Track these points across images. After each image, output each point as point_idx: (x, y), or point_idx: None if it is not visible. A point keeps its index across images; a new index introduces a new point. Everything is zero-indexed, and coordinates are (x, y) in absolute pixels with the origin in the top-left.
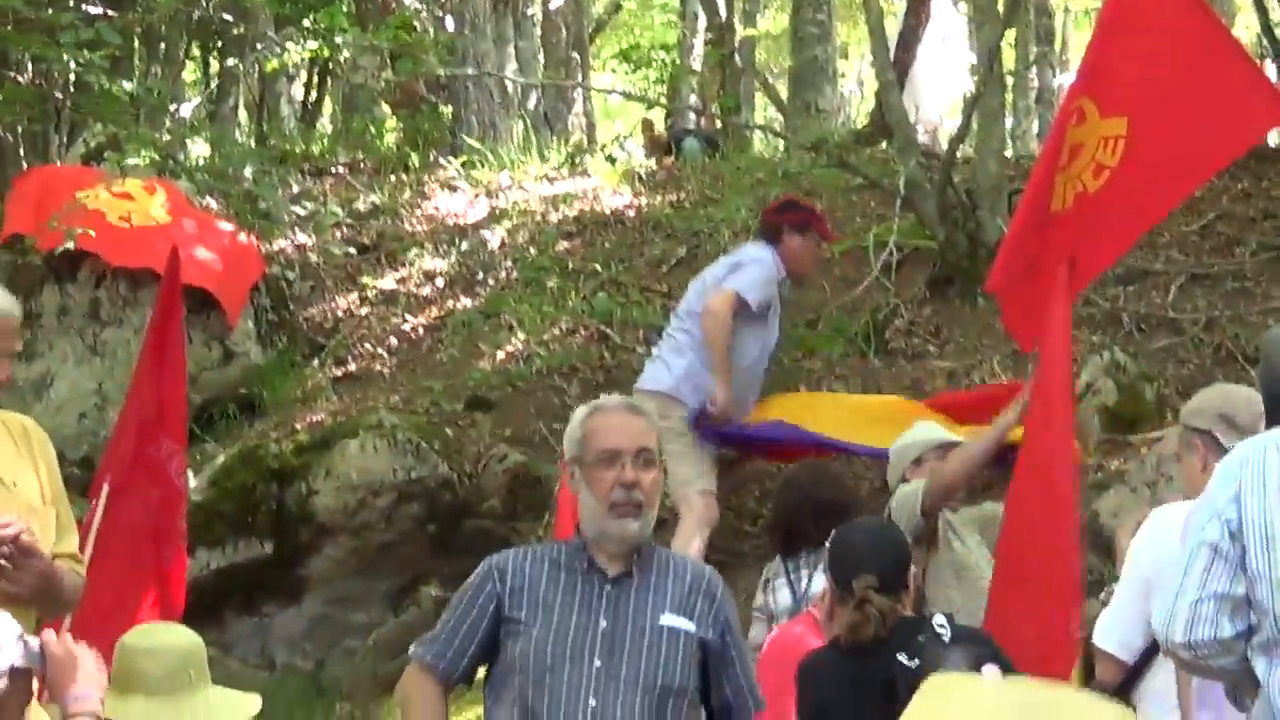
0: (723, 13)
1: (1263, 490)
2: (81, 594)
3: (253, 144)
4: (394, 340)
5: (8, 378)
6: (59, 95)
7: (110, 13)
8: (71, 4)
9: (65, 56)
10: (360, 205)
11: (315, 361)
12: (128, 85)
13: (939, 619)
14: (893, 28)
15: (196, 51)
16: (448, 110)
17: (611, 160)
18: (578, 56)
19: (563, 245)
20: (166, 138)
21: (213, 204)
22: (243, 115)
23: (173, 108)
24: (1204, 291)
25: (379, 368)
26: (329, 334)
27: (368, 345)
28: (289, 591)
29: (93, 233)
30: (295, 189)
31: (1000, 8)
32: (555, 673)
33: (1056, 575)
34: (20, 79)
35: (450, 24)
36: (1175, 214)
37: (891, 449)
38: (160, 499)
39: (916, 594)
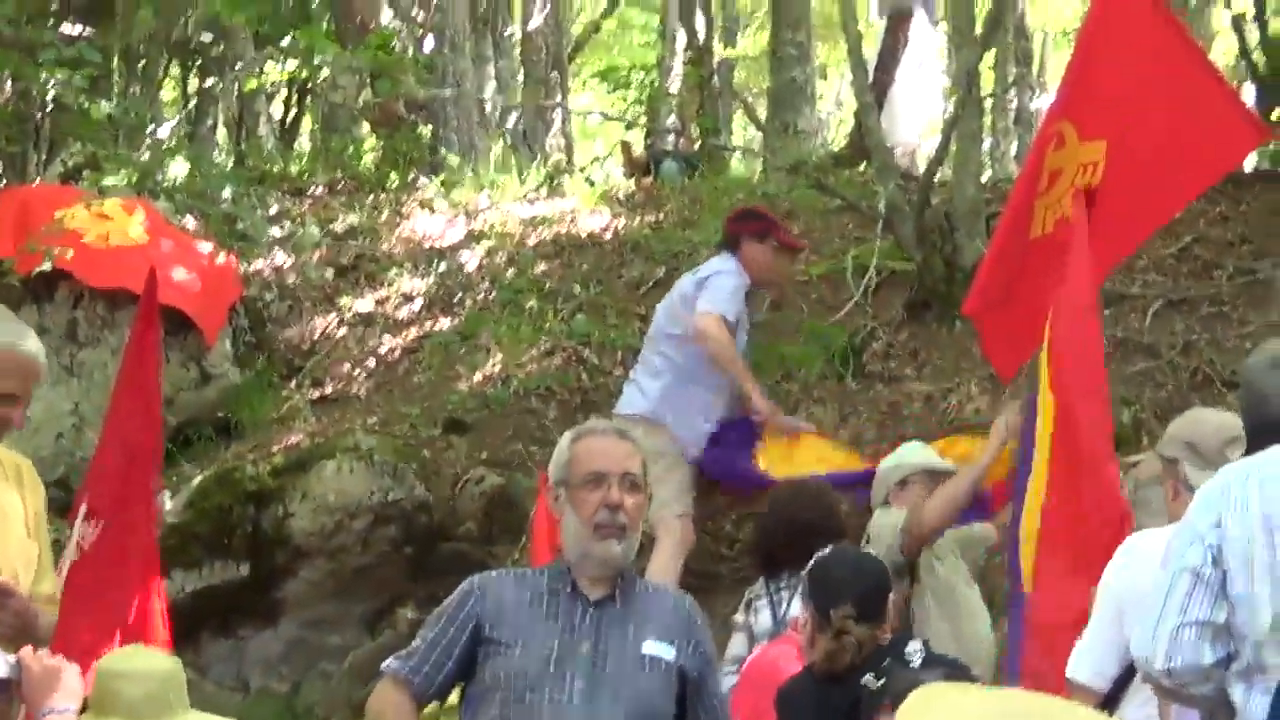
0: (702, 34)
1: (1244, 516)
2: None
3: (231, 163)
4: (371, 362)
5: (22, 422)
6: (38, 114)
7: (89, 33)
8: (51, 23)
9: (44, 75)
10: (338, 226)
11: (292, 383)
12: (106, 105)
13: (913, 645)
14: (871, 49)
15: (175, 71)
16: (427, 130)
17: (590, 182)
18: (557, 76)
19: (541, 267)
20: (145, 157)
21: (191, 223)
22: (221, 134)
23: (151, 127)
24: (1181, 316)
25: (356, 389)
26: (306, 355)
27: (345, 367)
28: (265, 614)
29: (70, 253)
30: (274, 209)
31: (978, 30)
32: (538, 692)
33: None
34: None
35: (429, 43)
36: (1152, 238)
37: (880, 466)
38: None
39: (902, 623)
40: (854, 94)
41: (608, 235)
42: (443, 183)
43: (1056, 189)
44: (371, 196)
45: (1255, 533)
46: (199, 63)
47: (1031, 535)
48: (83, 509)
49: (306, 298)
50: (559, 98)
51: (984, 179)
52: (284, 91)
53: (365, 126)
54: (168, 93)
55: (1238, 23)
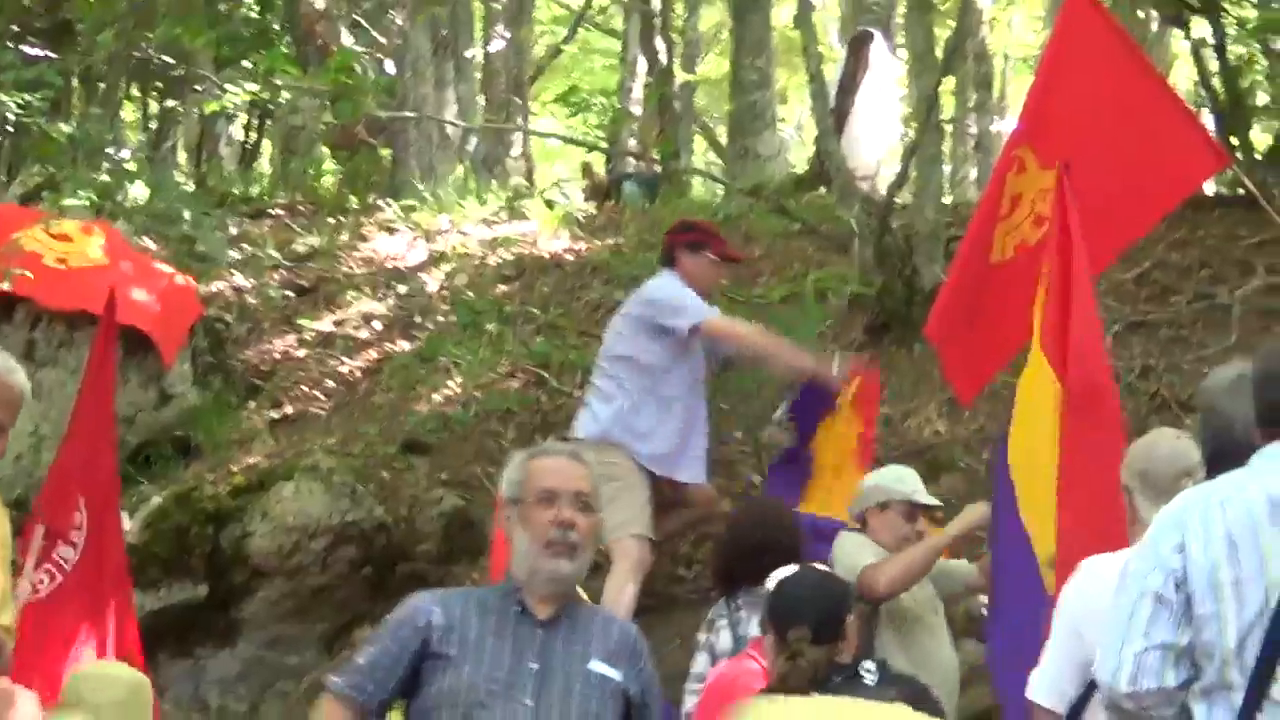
0: (663, 58)
1: (1207, 538)
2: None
3: (192, 185)
4: (331, 383)
5: (3, 450)
6: None
7: (50, 54)
8: (11, 44)
9: (4, 97)
10: (299, 247)
11: (252, 404)
12: (65, 127)
13: (867, 664)
14: (832, 75)
15: (136, 92)
16: (387, 153)
17: (550, 204)
18: (518, 100)
19: (501, 289)
20: (105, 179)
21: (150, 245)
22: (182, 156)
23: (111, 149)
24: (1140, 339)
25: (316, 410)
26: (266, 376)
27: (304, 388)
28: (223, 634)
29: (30, 274)
30: (234, 230)
31: (939, 55)
32: (487, 708)
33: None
34: None
35: (390, 67)
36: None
37: (863, 481)
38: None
39: (863, 642)
40: (814, 119)
41: (568, 257)
42: (403, 206)
43: (1017, 214)
44: (331, 219)
45: (1219, 553)
46: (160, 85)
47: (1046, 549)
48: (39, 529)
49: (266, 319)
50: (520, 121)
51: (944, 203)
52: (245, 114)
53: (325, 149)
54: (128, 114)
55: (1196, 49)
